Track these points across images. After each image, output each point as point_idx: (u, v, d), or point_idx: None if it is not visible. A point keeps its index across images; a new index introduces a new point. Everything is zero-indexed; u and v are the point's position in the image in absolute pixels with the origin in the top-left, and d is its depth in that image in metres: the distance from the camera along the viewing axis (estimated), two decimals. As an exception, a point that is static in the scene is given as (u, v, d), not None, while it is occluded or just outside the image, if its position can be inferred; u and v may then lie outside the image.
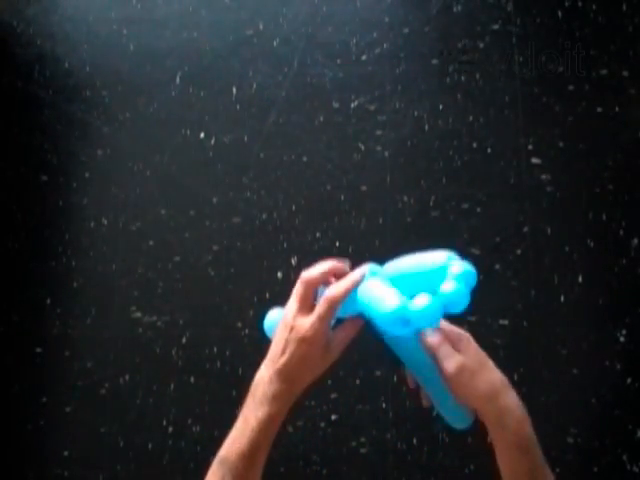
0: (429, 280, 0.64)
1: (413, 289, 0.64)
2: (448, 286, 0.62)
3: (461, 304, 0.62)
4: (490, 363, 0.64)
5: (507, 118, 1.43)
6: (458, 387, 0.62)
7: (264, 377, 0.65)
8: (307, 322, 0.63)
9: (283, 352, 0.64)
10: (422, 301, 0.61)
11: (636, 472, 1.26)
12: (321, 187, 1.46)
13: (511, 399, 0.62)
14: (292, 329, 0.64)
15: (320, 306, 0.63)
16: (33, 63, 1.61)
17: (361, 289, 0.65)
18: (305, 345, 0.62)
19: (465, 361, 0.62)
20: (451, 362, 0.61)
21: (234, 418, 0.68)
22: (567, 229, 1.37)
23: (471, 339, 0.66)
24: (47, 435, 1.43)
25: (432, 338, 0.63)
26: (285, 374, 0.63)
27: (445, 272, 0.64)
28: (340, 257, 0.69)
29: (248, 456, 0.63)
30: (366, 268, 0.66)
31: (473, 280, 0.64)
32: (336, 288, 0.64)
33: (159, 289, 1.46)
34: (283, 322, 0.65)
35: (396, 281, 0.66)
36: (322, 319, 0.62)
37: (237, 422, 0.65)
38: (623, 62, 1.40)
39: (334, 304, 0.63)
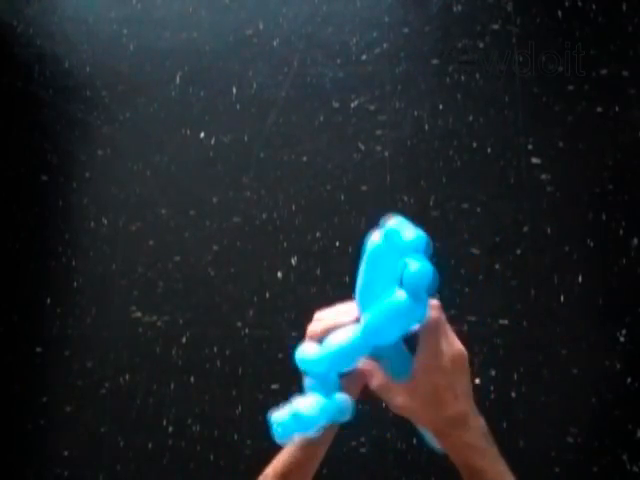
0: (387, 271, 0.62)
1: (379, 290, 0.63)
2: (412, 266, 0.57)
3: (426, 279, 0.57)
4: (445, 395, 0.60)
5: (507, 118, 1.42)
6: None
7: None
8: None
9: None
10: (414, 265, 0.57)
11: (636, 472, 1.26)
12: (321, 187, 1.46)
13: (461, 437, 0.59)
14: None
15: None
16: (33, 63, 1.61)
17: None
18: None
19: (406, 402, 0.60)
20: (393, 402, 0.61)
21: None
22: (567, 229, 1.37)
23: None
24: (47, 435, 1.43)
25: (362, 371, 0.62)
26: None
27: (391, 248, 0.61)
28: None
29: (280, 475, 0.67)
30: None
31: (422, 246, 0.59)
32: (316, 325, 0.65)
33: (159, 289, 1.46)
34: None
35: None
36: None
37: None
38: (623, 62, 1.40)
39: (310, 335, 0.64)
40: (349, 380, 0.65)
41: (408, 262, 0.58)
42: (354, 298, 0.65)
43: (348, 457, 1.32)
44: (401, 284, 0.59)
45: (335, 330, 0.63)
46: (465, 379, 0.61)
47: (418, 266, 0.58)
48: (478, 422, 0.60)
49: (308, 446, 0.67)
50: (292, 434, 0.60)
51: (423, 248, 0.60)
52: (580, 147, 1.39)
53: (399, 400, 0.61)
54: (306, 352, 0.62)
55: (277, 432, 0.60)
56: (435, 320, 0.60)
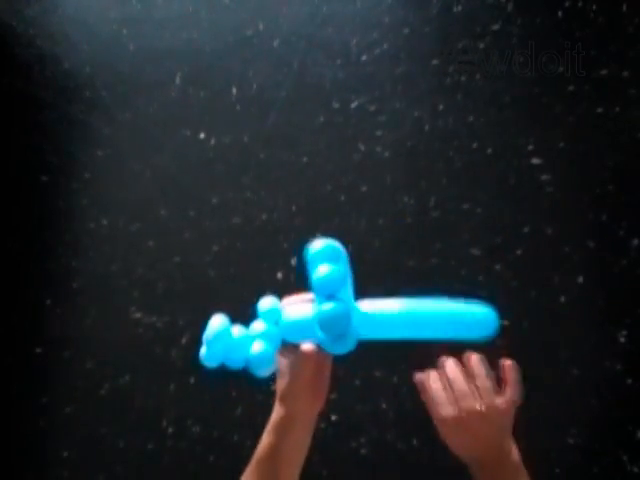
0: None
1: None
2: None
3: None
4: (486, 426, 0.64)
5: (507, 118, 1.42)
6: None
7: None
8: None
9: None
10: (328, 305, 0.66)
11: (636, 473, 1.26)
12: (321, 187, 1.45)
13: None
14: None
15: None
16: (33, 63, 1.60)
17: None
18: None
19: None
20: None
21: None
22: (567, 229, 1.37)
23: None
24: (47, 436, 1.43)
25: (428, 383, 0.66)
26: None
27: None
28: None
29: (256, 460, 0.73)
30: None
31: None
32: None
33: (159, 289, 1.46)
34: None
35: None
36: None
37: None
38: (623, 62, 1.40)
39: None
40: (293, 350, 0.71)
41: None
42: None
43: (348, 458, 1.32)
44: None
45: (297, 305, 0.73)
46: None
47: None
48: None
49: (278, 430, 0.71)
50: (215, 357, 0.68)
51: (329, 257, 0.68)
52: (580, 148, 1.39)
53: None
54: (265, 302, 0.74)
55: (203, 354, 0.68)
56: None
